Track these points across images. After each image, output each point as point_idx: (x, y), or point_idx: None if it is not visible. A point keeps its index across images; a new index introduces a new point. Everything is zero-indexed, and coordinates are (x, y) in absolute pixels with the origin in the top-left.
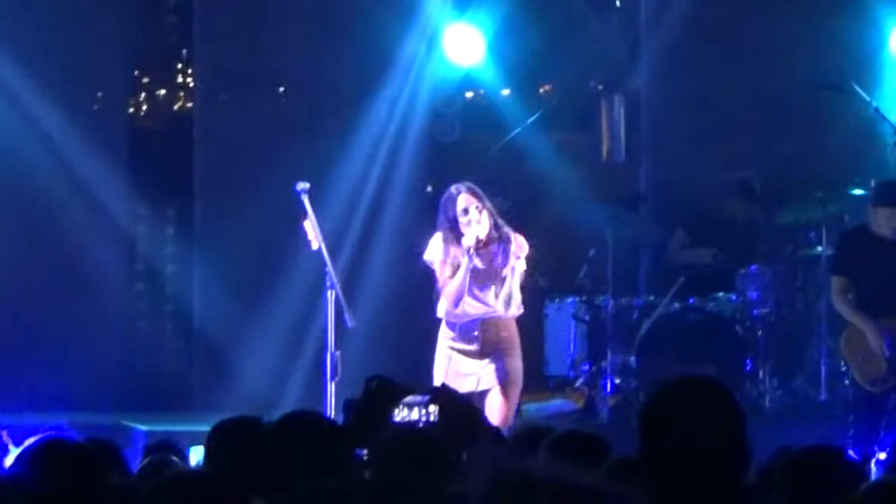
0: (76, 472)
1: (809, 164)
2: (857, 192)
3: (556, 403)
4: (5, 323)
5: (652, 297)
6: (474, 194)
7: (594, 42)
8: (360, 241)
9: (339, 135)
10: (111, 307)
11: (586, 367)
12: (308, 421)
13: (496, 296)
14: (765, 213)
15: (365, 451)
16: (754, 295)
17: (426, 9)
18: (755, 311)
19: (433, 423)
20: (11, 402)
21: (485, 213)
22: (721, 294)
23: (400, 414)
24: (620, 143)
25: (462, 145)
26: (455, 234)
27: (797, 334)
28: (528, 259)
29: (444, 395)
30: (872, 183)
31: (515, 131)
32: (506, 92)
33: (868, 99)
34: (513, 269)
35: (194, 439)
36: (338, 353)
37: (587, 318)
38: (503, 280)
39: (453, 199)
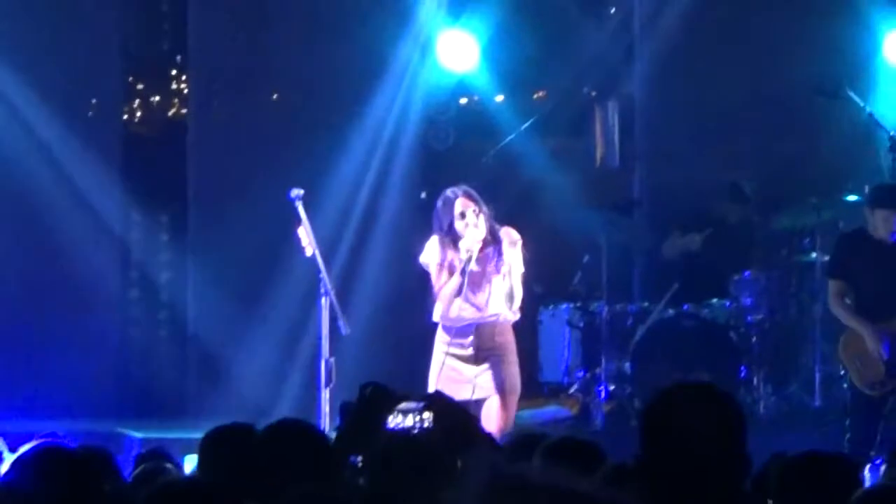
0: (70, 479)
1: (804, 169)
2: (852, 198)
3: (551, 410)
4: None
5: (646, 304)
6: (471, 198)
7: (588, 48)
8: (354, 248)
9: (333, 141)
10: (105, 314)
11: (580, 374)
12: (294, 429)
13: (491, 300)
14: (758, 215)
15: (359, 458)
16: (748, 301)
17: (420, 15)
18: (749, 318)
19: (428, 429)
20: (6, 409)
21: (482, 216)
22: (715, 300)
23: (394, 420)
24: (615, 148)
25: (456, 151)
26: (452, 237)
27: (791, 340)
28: (523, 249)
29: (439, 402)
30: (866, 189)
31: (509, 137)
32: (500, 98)
33: (862, 105)
34: (510, 266)
35: (189, 446)
36: (332, 359)
37: (581, 324)
38: (500, 283)
39: (450, 203)
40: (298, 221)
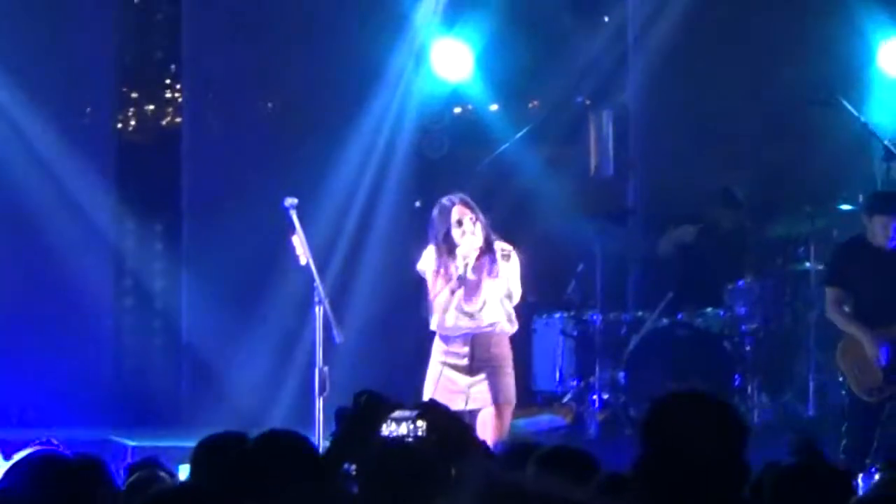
0: (64, 486)
1: (798, 178)
2: (846, 206)
3: (545, 419)
4: None
5: (640, 313)
6: (468, 206)
7: (582, 57)
8: (348, 257)
9: (327, 150)
10: (99, 322)
11: (574, 383)
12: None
13: (486, 309)
14: (752, 221)
15: (353, 466)
16: (742, 310)
17: (414, 24)
18: (743, 327)
19: (422, 437)
20: (0, 417)
21: (478, 224)
22: (709, 309)
23: (388, 429)
24: (609, 157)
25: (450, 160)
26: (448, 245)
27: (785, 349)
28: (518, 260)
29: (433, 410)
30: (860, 198)
31: (504, 146)
32: (494, 107)
33: (856, 114)
34: (505, 277)
35: (183, 455)
36: (326, 368)
37: (575, 333)
38: (496, 292)
39: (447, 211)
40: (292, 230)
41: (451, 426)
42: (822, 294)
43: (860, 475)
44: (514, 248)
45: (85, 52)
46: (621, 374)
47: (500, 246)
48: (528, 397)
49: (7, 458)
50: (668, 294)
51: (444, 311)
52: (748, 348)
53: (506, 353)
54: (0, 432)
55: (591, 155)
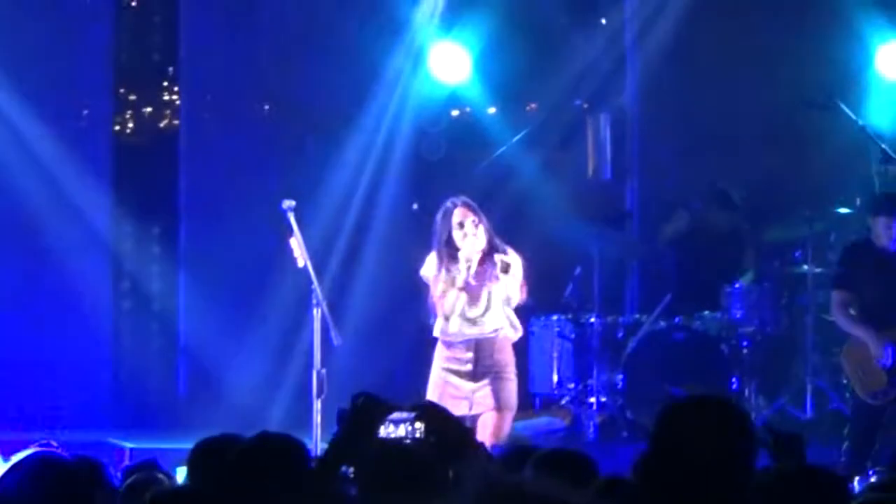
0: (62, 488)
1: (796, 181)
2: (843, 210)
3: (543, 421)
4: None
5: (638, 316)
6: (470, 208)
7: (580, 60)
8: (346, 259)
9: (324, 153)
10: (96, 325)
11: (572, 386)
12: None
13: (489, 314)
14: (747, 222)
15: (350, 469)
16: (740, 313)
17: (412, 27)
18: (741, 330)
19: (420, 439)
20: None
21: (480, 227)
22: (707, 312)
23: (386, 430)
24: (607, 160)
25: (448, 163)
26: (450, 248)
27: (782, 352)
28: (521, 268)
29: (431, 412)
30: (858, 201)
31: (501, 149)
32: (492, 110)
33: (854, 118)
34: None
35: (180, 457)
36: (324, 370)
37: (573, 336)
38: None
39: (449, 213)
40: (290, 232)
41: (449, 428)
42: (818, 297)
43: (856, 478)
44: (515, 250)
45: (82, 54)
46: (619, 377)
47: (499, 258)
48: (526, 400)
49: (6, 459)
50: (665, 297)
51: (448, 316)
52: (745, 351)
53: (508, 359)
54: None
55: (589, 158)
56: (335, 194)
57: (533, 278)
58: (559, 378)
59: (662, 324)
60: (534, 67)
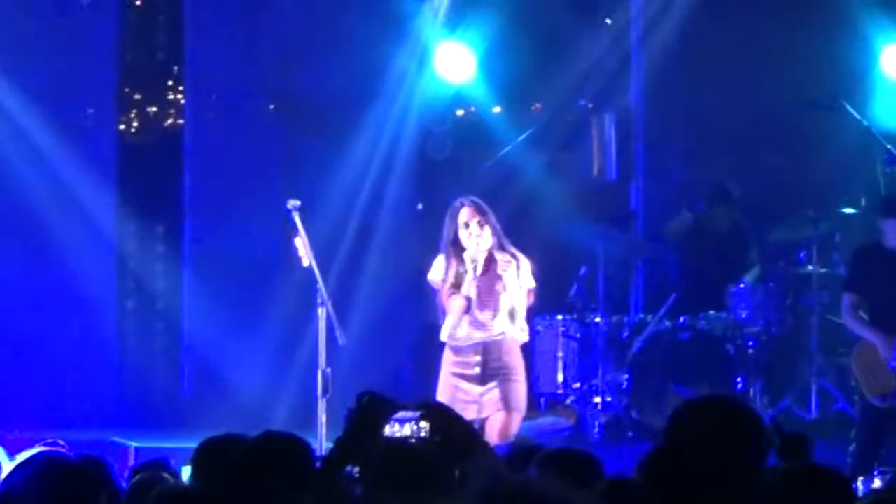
0: (68, 487)
1: (800, 181)
2: (848, 210)
3: (548, 421)
4: None
5: (643, 315)
6: (477, 209)
7: (585, 60)
8: (351, 259)
9: (329, 152)
10: (100, 324)
11: (577, 385)
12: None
13: (497, 317)
14: (750, 219)
15: (356, 468)
16: (745, 313)
17: (417, 27)
18: (746, 330)
19: (425, 438)
20: (3, 419)
21: (487, 228)
22: (712, 312)
23: (391, 430)
24: (611, 160)
25: (453, 162)
26: (457, 251)
27: (787, 353)
28: (530, 273)
29: (437, 411)
30: (863, 202)
31: (506, 149)
32: (497, 109)
33: (859, 118)
34: (511, 286)
35: (185, 456)
36: (329, 369)
37: (578, 336)
38: (506, 300)
39: (456, 213)
40: (295, 232)
41: (454, 427)
42: (823, 297)
43: (860, 479)
44: (520, 250)
45: (87, 53)
46: (624, 377)
47: (502, 257)
48: (531, 400)
49: (11, 458)
50: (670, 297)
51: (457, 320)
52: (750, 351)
53: (517, 361)
54: (3, 433)
55: (594, 158)
56: (340, 193)
57: (538, 278)
58: (564, 378)
59: (667, 324)
60: (539, 67)
